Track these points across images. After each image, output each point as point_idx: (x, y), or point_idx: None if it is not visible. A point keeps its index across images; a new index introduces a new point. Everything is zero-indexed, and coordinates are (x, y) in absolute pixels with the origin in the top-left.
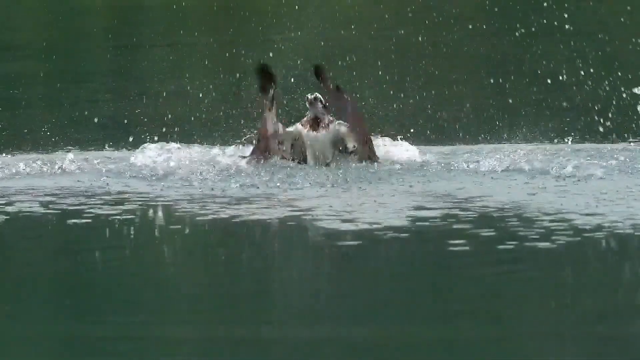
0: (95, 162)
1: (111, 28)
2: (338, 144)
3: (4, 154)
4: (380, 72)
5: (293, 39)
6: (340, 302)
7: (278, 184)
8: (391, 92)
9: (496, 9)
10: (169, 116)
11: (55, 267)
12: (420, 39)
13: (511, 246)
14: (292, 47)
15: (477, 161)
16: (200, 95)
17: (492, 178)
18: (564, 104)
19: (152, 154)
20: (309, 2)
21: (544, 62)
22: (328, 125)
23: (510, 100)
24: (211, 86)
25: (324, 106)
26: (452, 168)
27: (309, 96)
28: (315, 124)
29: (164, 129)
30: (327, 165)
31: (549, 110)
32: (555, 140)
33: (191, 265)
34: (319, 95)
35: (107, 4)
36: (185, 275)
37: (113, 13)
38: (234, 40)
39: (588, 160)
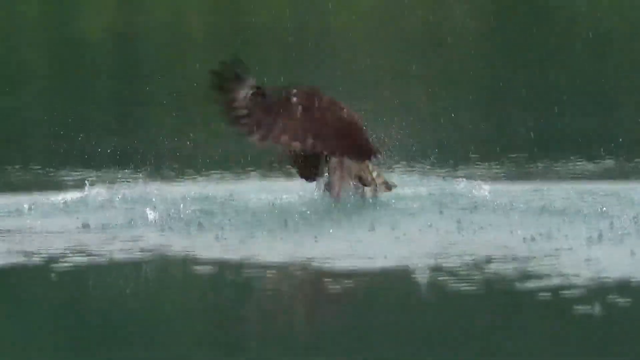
0: (106, 197)
1: (113, 58)
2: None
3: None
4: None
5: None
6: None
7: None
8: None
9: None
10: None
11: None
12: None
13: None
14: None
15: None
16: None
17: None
18: None
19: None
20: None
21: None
22: None
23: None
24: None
25: None
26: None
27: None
28: None
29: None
30: (336, 193)
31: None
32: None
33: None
34: None
35: (105, 35)
36: (198, 320)
37: (113, 43)
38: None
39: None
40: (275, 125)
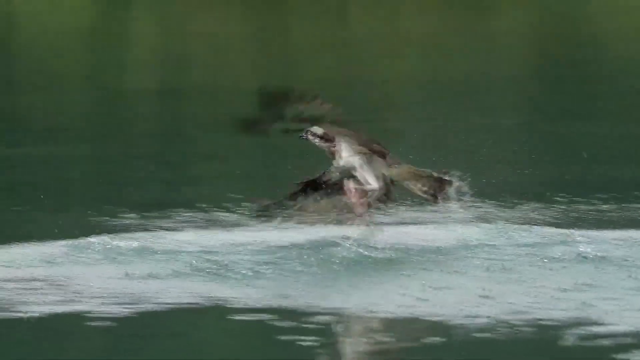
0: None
1: (153, 111)
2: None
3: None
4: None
5: None
6: None
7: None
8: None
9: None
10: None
11: None
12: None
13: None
14: None
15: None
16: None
17: None
18: None
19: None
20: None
21: None
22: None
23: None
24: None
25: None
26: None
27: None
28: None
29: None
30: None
31: None
32: None
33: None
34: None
35: (152, 87)
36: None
37: (157, 96)
38: None
39: None
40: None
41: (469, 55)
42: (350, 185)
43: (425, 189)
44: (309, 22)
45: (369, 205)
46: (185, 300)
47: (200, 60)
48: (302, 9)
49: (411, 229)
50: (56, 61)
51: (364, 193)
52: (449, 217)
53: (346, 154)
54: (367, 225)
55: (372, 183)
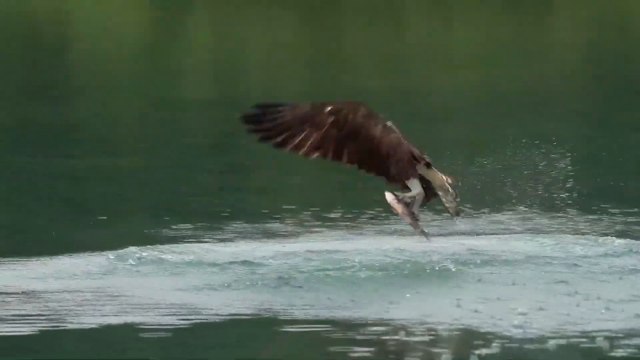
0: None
1: (209, 121)
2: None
3: (99, 252)
4: None
5: None
6: None
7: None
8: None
9: None
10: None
11: None
12: None
13: None
14: None
15: None
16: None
17: None
18: None
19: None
20: None
21: None
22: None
23: None
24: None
25: None
26: None
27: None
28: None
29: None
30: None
31: None
32: None
33: None
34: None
35: (205, 97)
36: None
37: (210, 106)
38: None
39: None
40: (299, 134)
41: (523, 66)
42: (389, 197)
43: (449, 203)
44: (362, 31)
45: (413, 214)
46: (239, 312)
47: (255, 68)
48: (356, 18)
49: (467, 240)
50: (110, 70)
51: (404, 203)
52: (505, 228)
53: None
54: (421, 234)
55: (413, 189)
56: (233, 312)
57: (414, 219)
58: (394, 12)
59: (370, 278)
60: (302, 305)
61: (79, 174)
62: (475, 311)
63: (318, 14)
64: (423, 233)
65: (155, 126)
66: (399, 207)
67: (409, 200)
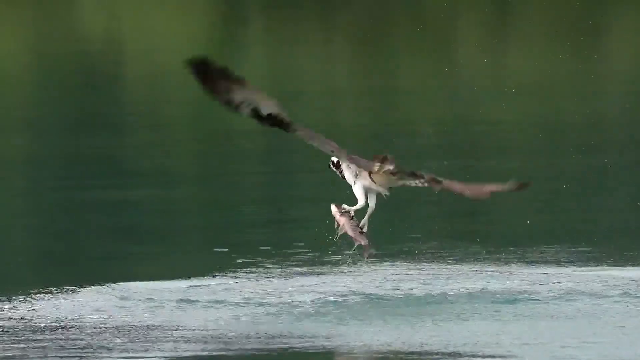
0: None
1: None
2: None
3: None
4: None
5: None
6: None
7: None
8: None
9: None
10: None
11: None
12: None
13: None
14: None
15: None
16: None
17: None
18: None
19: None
20: None
21: None
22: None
23: None
24: None
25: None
26: None
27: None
28: None
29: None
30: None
31: None
32: None
33: None
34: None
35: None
36: None
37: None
38: None
39: None
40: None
41: (578, 96)
42: (333, 209)
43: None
44: (414, 60)
45: (360, 228)
46: (300, 344)
47: (310, 98)
48: (408, 47)
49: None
50: (163, 97)
51: (348, 216)
52: (541, 257)
53: (348, 175)
54: (362, 249)
55: (359, 199)
56: (295, 344)
57: (359, 232)
58: (446, 43)
59: (428, 312)
60: (360, 336)
61: (132, 204)
62: (515, 345)
63: (371, 45)
64: (366, 247)
65: (209, 156)
66: (341, 220)
67: (353, 213)
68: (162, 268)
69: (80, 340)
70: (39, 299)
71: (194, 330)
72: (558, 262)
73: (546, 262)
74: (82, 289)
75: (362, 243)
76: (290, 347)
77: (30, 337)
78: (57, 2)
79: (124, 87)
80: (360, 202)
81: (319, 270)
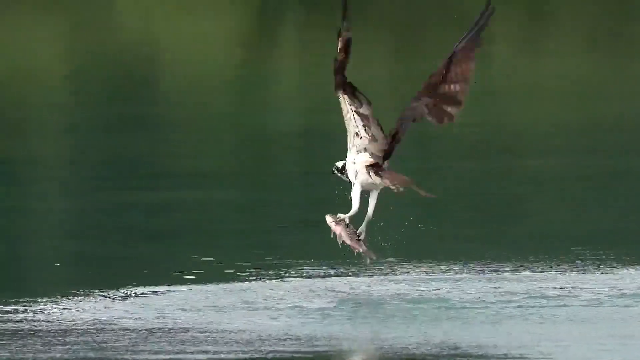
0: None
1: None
2: None
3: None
4: None
5: None
6: None
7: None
8: None
9: None
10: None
11: None
12: None
13: None
14: None
15: None
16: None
17: None
18: None
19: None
20: None
21: None
22: None
23: None
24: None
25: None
26: None
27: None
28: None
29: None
30: None
31: None
32: None
33: None
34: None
35: (297, 129)
36: None
37: (302, 137)
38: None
39: None
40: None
41: (616, 99)
42: (328, 219)
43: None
44: None
45: (357, 235)
46: (347, 346)
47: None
48: (442, 50)
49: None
50: (199, 101)
51: (344, 224)
52: (573, 259)
53: (350, 175)
54: (364, 255)
55: (354, 204)
56: (342, 345)
57: (356, 239)
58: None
59: (477, 316)
60: (403, 338)
61: (168, 207)
62: (553, 348)
63: (400, 48)
64: (366, 254)
65: (246, 158)
66: (337, 229)
67: (348, 221)
68: (197, 270)
69: (115, 342)
70: (73, 301)
71: (233, 332)
72: (591, 264)
73: (578, 263)
74: (115, 291)
75: (360, 250)
76: (328, 350)
77: (65, 340)
78: (95, 8)
79: (161, 90)
80: (354, 208)
81: (350, 271)
